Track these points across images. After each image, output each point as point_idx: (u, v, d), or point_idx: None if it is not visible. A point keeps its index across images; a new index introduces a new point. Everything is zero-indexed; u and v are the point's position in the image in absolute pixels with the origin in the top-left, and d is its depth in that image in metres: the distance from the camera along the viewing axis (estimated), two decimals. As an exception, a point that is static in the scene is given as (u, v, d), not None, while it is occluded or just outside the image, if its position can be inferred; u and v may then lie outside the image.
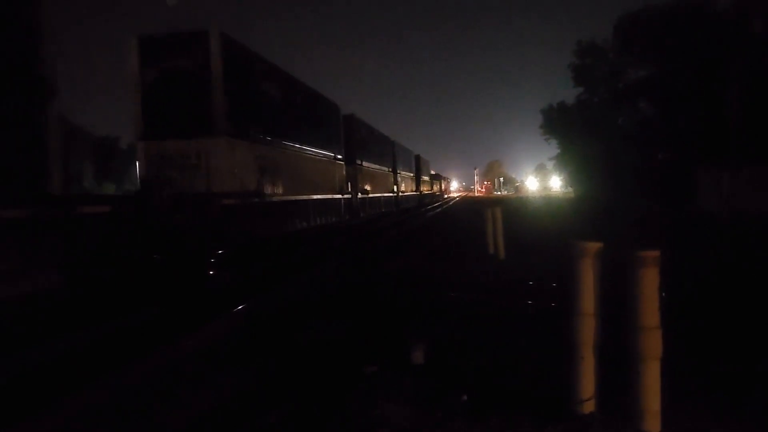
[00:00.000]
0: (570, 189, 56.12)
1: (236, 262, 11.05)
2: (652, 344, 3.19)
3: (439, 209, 41.00)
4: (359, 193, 24.93)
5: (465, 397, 4.01)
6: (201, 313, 6.79)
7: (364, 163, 26.43)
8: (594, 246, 3.44)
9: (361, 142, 25.69)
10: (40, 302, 6.77)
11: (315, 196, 17.98)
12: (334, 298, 7.80)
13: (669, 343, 3.26)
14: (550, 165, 64.07)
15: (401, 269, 10.53)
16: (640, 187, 27.80)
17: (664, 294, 3.24)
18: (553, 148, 45.56)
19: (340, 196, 21.56)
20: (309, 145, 17.53)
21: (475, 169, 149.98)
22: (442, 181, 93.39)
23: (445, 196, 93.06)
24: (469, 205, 45.81)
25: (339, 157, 21.80)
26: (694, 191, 22.43)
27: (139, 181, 10.77)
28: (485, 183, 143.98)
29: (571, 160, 40.80)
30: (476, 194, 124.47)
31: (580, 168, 38.39)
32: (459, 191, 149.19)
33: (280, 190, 14.67)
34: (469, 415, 3.71)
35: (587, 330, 3.43)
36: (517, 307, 6.78)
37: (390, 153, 35.07)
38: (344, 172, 22.48)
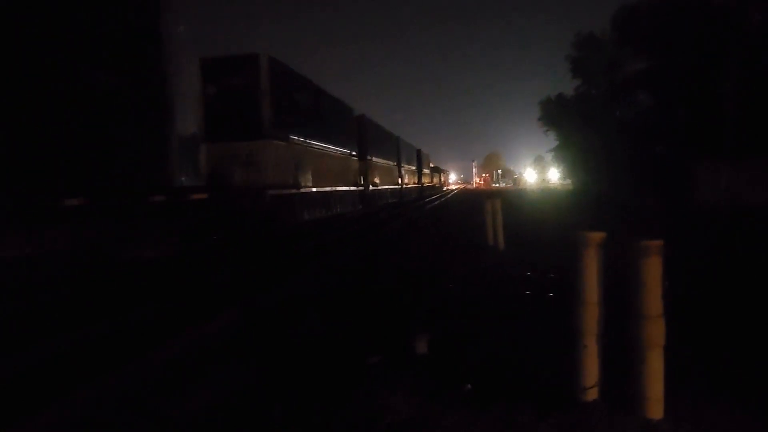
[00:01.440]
0: (568, 181, 56.18)
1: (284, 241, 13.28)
2: (655, 332, 3.23)
3: (437, 202, 41.46)
4: (370, 186, 27.66)
5: (469, 387, 4.05)
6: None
7: (374, 158, 29.03)
8: (597, 236, 3.47)
9: (371, 139, 28.23)
10: (172, 260, 9.58)
11: (337, 188, 21.05)
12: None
13: (672, 332, 3.30)
14: (548, 157, 64.10)
15: (404, 257, 10.65)
16: (637, 179, 27.84)
17: (667, 283, 3.28)
18: (551, 140, 45.66)
19: (355, 188, 24.57)
20: (331, 144, 20.49)
21: (473, 161, 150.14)
22: (441, 173, 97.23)
23: (444, 188, 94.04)
24: (467, 198, 45.96)
25: (353, 153, 24.58)
26: (693, 184, 22.47)
27: (206, 175, 13.15)
28: (483, 175, 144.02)
29: (569, 152, 40.84)
30: (474, 186, 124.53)
31: (578, 160, 38.44)
32: (457, 183, 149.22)
33: (310, 183, 17.62)
34: (472, 405, 3.75)
35: (591, 319, 3.46)
36: (518, 298, 6.82)
37: (395, 148, 37.66)
38: (357, 167, 25.19)
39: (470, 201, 35.02)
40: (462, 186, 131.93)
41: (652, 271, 3.21)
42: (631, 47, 29.66)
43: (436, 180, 78.46)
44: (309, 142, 17.78)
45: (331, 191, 20.24)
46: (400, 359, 4.69)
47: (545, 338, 4.93)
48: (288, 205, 15.60)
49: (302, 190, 16.90)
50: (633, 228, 14.11)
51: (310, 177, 17.62)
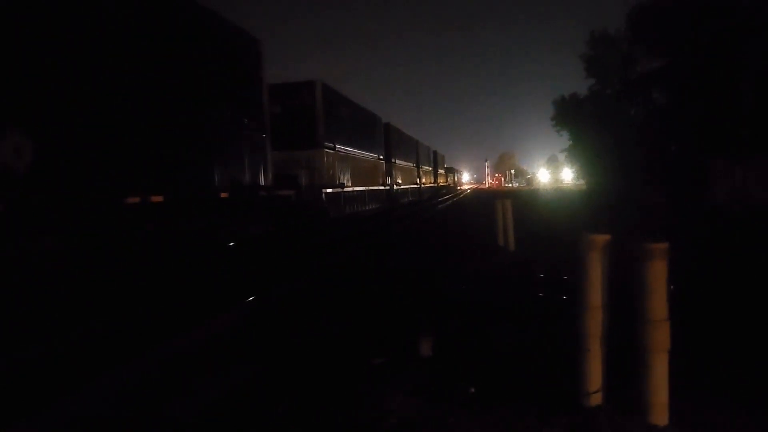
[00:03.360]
0: (582, 181, 55.77)
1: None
2: (661, 337, 3.17)
3: (450, 201, 43.18)
4: (394, 186, 31.40)
5: (472, 390, 4.01)
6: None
7: (397, 161, 32.68)
8: (602, 238, 3.42)
9: (395, 144, 31.99)
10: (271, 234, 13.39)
11: (369, 188, 24.96)
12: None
13: (677, 336, 3.24)
14: (561, 157, 63.65)
15: (417, 256, 10.65)
16: (652, 179, 27.55)
17: (672, 287, 3.22)
18: (564, 140, 45.27)
19: (383, 187, 28.46)
20: (364, 150, 24.52)
21: (486, 160, 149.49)
22: (455, 173, 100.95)
23: (458, 188, 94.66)
24: (479, 197, 45.94)
25: (381, 157, 28.45)
26: (707, 183, 22.18)
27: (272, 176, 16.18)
28: (496, 175, 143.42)
29: (582, 151, 40.49)
30: (487, 186, 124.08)
31: (591, 160, 38.10)
32: (470, 183, 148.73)
33: (349, 183, 21.34)
34: (476, 407, 3.71)
35: (595, 322, 3.42)
36: (526, 299, 6.76)
37: (414, 150, 41.31)
38: (384, 169, 29.06)
39: (482, 201, 35.29)
40: (475, 186, 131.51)
41: (657, 274, 3.16)
42: (645, 45, 29.34)
43: (450, 180, 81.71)
44: (348, 149, 21.59)
45: (364, 190, 24.06)
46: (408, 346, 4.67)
47: (552, 341, 4.88)
48: (336, 201, 19.59)
49: (345, 189, 20.77)
50: (644, 228, 13.96)
51: (349, 178, 21.43)
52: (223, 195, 10.69)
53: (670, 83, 27.11)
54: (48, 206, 6.60)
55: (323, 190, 17.92)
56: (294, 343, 5.39)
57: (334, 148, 19.40)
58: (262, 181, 12.65)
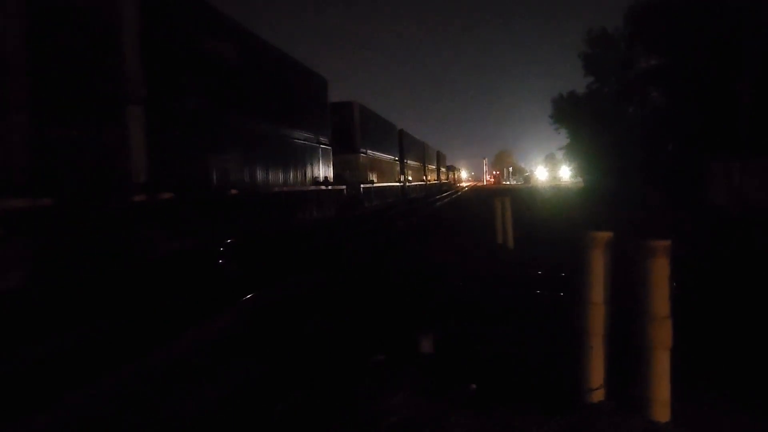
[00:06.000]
0: (579, 179, 55.80)
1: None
2: (663, 334, 3.18)
3: (454, 196, 48.12)
4: (406, 183, 36.44)
5: (474, 387, 4.02)
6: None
7: (408, 161, 37.75)
8: (604, 235, 3.42)
9: (407, 146, 37.17)
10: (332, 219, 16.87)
11: (389, 184, 30.32)
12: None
13: (678, 334, 3.25)
14: (559, 155, 63.72)
15: (417, 255, 10.65)
16: (649, 178, 27.56)
17: (674, 284, 3.22)
18: (562, 138, 45.27)
19: (398, 184, 33.58)
20: (385, 153, 29.60)
21: (484, 159, 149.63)
22: (455, 171, 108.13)
23: (457, 185, 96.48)
24: (478, 195, 46.14)
25: (396, 158, 33.61)
26: (704, 183, 22.18)
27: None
28: (494, 173, 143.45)
29: (580, 150, 40.51)
30: (485, 184, 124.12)
31: (589, 158, 38.12)
32: (468, 181, 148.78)
33: (376, 180, 26.31)
34: (477, 405, 3.71)
35: (597, 319, 3.42)
36: (525, 297, 6.77)
37: (422, 151, 46.87)
38: (398, 168, 34.21)
39: (481, 197, 35.99)
40: (473, 183, 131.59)
41: (660, 271, 3.17)
42: (644, 44, 29.32)
43: (451, 177, 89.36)
44: (375, 153, 26.86)
45: (386, 186, 29.26)
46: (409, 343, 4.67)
47: (552, 339, 4.89)
48: (368, 194, 24.25)
49: (374, 185, 25.83)
50: (642, 227, 13.98)
51: (375, 176, 26.40)
52: (312, 188, 15.20)
53: (668, 83, 27.11)
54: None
55: (361, 185, 22.78)
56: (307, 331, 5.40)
57: (366, 153, 24.61)
58: (330, 179, 16.98)
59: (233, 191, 9.89)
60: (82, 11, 6.31)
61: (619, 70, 32.63)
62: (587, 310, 3.43)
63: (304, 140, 14.61)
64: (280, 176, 12.72)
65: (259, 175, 11.44)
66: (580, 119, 37.18)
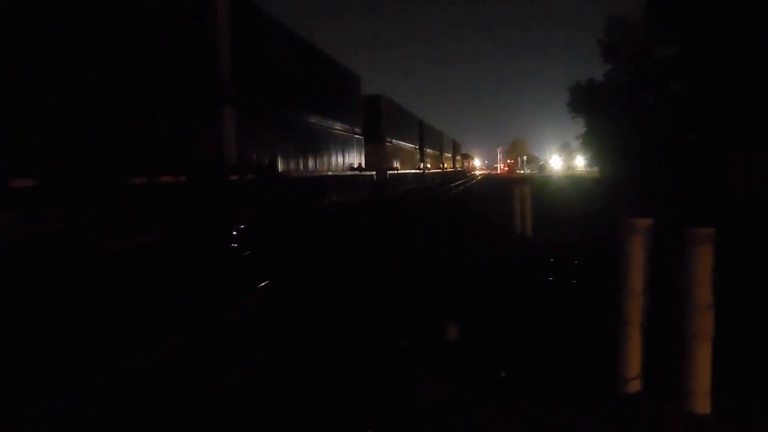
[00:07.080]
0: (595, 168, 55.35)
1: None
2: (704, 324, 3.10)
3: (469, 184, 50.48)
4: (425, 170, 38.54)
5: (503, 374, 3.96)
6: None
7: (427, 149, 39.58)
8: (645, 222, 3.33)
9: (426, 135, 39.00)
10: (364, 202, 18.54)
11: (410, 171, 32.45)
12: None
13: (720, 324, 3.16)
14: (575, 144, 63.28)
15: (441, 242, 10.63)
16: (668, 167, 27.23)
17: (718, 273, 3.13)
18: (578, 127, 44.96)
19: (418, 170, 35.78)
20: (406, 141, 31.27)
21: (498, 147, 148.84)
22: (470, 159, 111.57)
23: (471, 173, 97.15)
24: (493, 184, 45.99)
25: (416, 146, 35.38)
26: (725, 173, 21.86)
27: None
28: (508, 161, 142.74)
29: (597, 139, 40.16)
30: (499, 173, 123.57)
31: (606, 147, 37.77)
32: (482, 169, 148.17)
33: (399, 167, 28.27)
34: (507, 393, 3.66)
35: (635, 308, 3.34)
36: (553, 285, 6.70)
37: (440, 140, 48.83)
38: (418, 156, 36.09)
39: (496, 185, 35.92)
40: (486, 172, 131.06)
41: (703, 259, 3.08)
42: (663, 32, 28.84)
43: (466, 165, 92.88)
44: (399, 142, 28.71)
45: (407, 172, 31.39)
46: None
47: (575, 326, 4.82)
48: (393, 180, 26.32)
49: (398, 171, 27.91)
50: (666, 216, 13.78)
51: (399, 163, 28.37)
52: (349, 173, 16.84)
53: (687, 72, 26.68)
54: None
55: (387, 172, 24.62)
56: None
57: (391, 142, 26.46)
58: (363, 166, 18.69)
59: (293, 175, 11.81)
60: (193, 29, 8.01)
61: (638, 58, 32.18)
62: (626, 298, 3.35)
63: (342, 131, 16.27)
64: (325, 162, 14.38)
65: (310, 161, 13.05)
66: (598, 108, 36.82)
